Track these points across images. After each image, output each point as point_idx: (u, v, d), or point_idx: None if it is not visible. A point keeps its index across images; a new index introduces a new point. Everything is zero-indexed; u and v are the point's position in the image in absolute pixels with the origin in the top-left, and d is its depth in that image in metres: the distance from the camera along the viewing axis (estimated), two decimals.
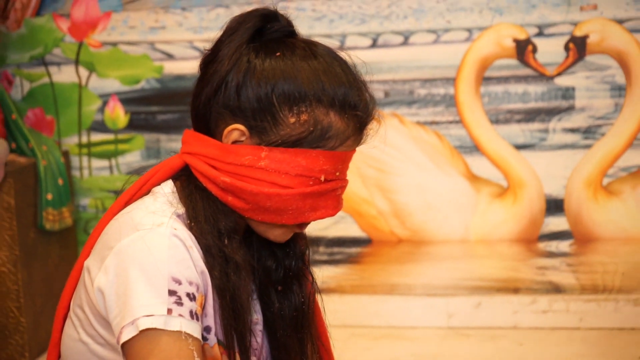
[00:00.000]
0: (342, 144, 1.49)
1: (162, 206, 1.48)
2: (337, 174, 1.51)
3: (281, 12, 1.54)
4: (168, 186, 1.53)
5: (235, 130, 1.48)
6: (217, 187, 1.50)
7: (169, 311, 1.37)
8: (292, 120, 1.46)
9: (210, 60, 1.51)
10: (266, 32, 1.52)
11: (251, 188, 1.47)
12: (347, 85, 1.48)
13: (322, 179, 1.49)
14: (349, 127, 1.49)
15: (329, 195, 1.52)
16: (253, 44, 1.50)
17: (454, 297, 3.65)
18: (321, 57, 1.50)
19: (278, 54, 1.48)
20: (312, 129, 1.46)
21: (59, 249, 3.66)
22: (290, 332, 1.66)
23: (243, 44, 1.49)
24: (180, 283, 1.40)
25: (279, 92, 1.45)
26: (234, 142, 1.48)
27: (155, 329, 1.37)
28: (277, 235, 1.57)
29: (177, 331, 1.38)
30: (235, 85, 1.47)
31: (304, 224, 1.56)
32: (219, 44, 1.51)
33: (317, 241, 3.69)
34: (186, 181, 1.53)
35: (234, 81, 1.47)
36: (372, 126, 1.55)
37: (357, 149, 1.55)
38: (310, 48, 1.51)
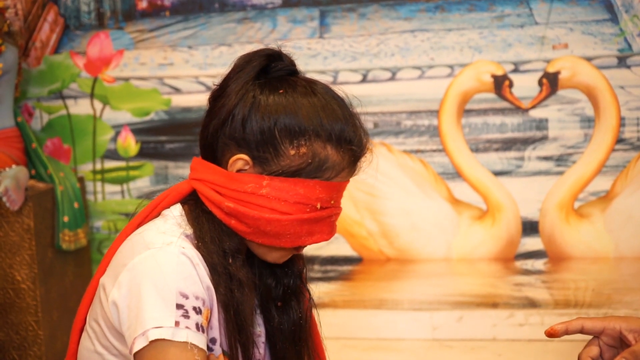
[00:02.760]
0: (337, 175, 1.50)
1: (171, 227, 1.49)
2: (332, 202, 1.51)
3: (284, 52, 1.55)
4: (177, 209, 1.53)
5: (240, 160, 1.48)
6: (221, 211, 1.50)
7: (177, 323, 1.38)
8: (292, 152, 1.46)
9: (218, 95, 1.52)
10: (271, 71, 1.52)
11: (253, 213, 1.47)
12: (344, 122, 1.49)
13: (319, 206, 1.49)
14: (344, 160, 1.50)
15: (325, 221, 1.52)
16: (258, 81, 1.50)
17: (437, 311, 3.64)
18: (320, 94, 1.50)
19: (281, 90, 1.48)
20: (310, 161, 1.47)
21: (74, 267, 3.65)
22: (288, 344, 1.65)
23: (249, 81, 1.49)
24: (187, 297, 1.40)
25: (281, 126, 1.46)
26: (238, 170, 1.49)
27: (163, 339, 1.37)
28: (275, 258, 1.56)
29: (183, 342, 1.37)
30: (241, 119, 1.47)
31: (301, 247, 1.56)
32: (227, 80, 1.52)
33: (312, 260, 3.68)
34: (193, 205, 1.53)
35: (240, 115, 1.47)
36: (366, 159, 1.55)
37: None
38: (311, 86, 1.51)
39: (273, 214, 1.47)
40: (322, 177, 1.48)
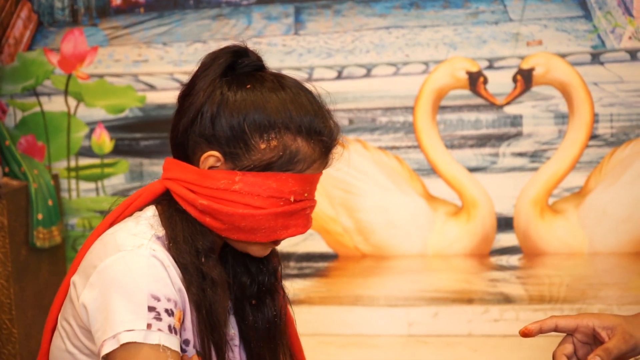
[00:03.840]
0: (309, 167, 1.49)
1: (143, 229, 1.47)
2: (306, 194, 1.50)
3: (251, 48, 1.55)
4: (150, 210, 1.53)
5: (211, 157, 1.47)
6: (195, 209, 1.49)
7: (149, 326, 1.37)
8: (263, 146, 1.46)
9: (186, 93, 1.52)
10: (237, 67, 1.52)
11: (227, 209, 1.47)
12: (313, 114, 1.49)
13: (292, 199, 1.48)
14: (315, 151, 1.49)
15: (299, 214, 1.51)
16: (226, 78, 1.50)
17: (413, 307, 3.64)
18: (288, 88, 1.50)
19: (248, 86, 1.48)
20: (281, 153, 1.46)
21: (48, 265, 3.62)
22: (263, 343, 1.65)
23: (216, 78, 1.49)
24: (159, 300, 1.39)
25: (250, 121, 1.46)
26: (210, 167, 1.48)
27: (135, 342, 1.36)
28: (256, 250, 1.56)
29: (156, 344, 1.37)
30: (210, 116, 1.47)
31: (278, 241, 1.55)
32: (194, 79, 1.52)
33: (288, 257, 3.67)
34: (167, 205, 1.52)
35: (209, 112, 1.47)
36: (337, 150, 1.55)
37: (324, 171, 1.55)
38: (279, 80, 1.51)
39: (247, 209, 1.47)
40: (294, 170, 1.48)
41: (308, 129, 1.48)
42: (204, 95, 1.48)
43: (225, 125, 1.46)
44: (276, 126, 1.46)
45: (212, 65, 1.50)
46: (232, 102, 1.47)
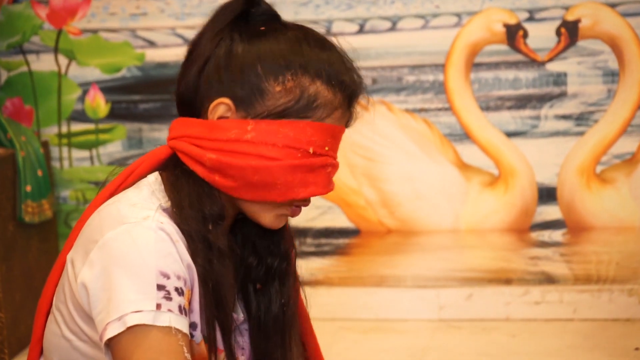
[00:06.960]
0: (329, 115, 1.49)
1: (146, 198, 1.47)
2: (326, 148, 1.49)
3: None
4: (152, 177, 1.52)
5: (221, 105, 1.47)
6: (203, 167, 1.48)
7: (158, 306, 1.36)
8: (278, 89, 1.46)
9: (195, 43, 1.53)
10: (250, 16, 1.53)
11: (238, 162, 1.46)
12: (333, 54, 1.50)
13: (311, 151, 1.48)
14: (336, 97, 1.49)
15: (319, 171, 1.50)
16: (237, 26, 1.51)
17: (444, 288, 3.64)
18: (303, 29, 1.52)
19: (262, 28, 1.50)
20: (298, 97, 1.47)
21: (38, 243, 3.64)
22: (271, 333, 1.65)
23: (227, 25, 1.51)
24: (168, 277, 1.39)
25: (263, 62, 1.47)
26: (220, 117, 1.48)
27: (144, 324, 1.35)
28: (268, 219, 1.54)
29: (166, 326, 1.37)
30: (220, 61, 1.48)
31: (296, 205, 1.54)
32: (204, 30, 1.53)
33: (305, 232, 3.68)
34: (172, 169, 1.51)
35: (218, 57, 1.48)
36: (361, 105, 1.54)
37: (345, 135, 1.54)
38: (292, 24, 1.53)
39: (260, 161, 1.46)
40: (313, 117, 1.48)
41: (328, 72, 1.47)
42: (213, 42, 1.49)
43: (235, 69, 1.47)
44: (292, 66, 1.47)
45: (223, 14, 1.52)
46: (244, 45, 1.48)
